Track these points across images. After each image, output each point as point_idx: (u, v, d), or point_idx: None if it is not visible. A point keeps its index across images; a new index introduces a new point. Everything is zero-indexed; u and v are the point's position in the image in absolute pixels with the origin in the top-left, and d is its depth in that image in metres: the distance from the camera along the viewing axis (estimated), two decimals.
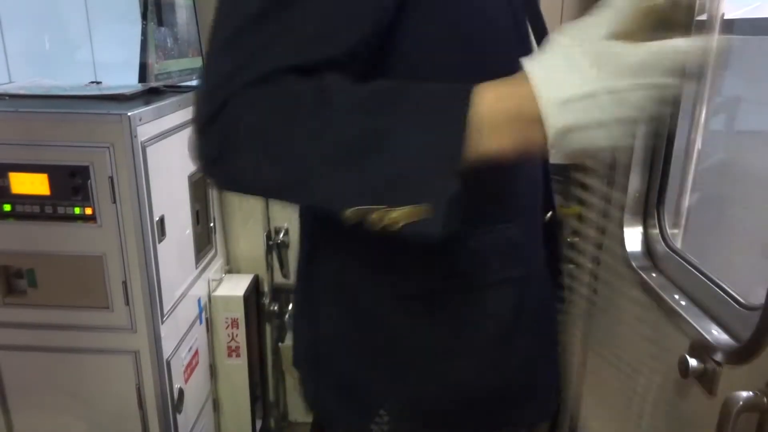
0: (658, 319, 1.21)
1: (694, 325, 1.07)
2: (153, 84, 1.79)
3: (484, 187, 0.74)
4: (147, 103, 1.55)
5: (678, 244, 1.36)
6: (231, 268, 2.24)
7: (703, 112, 1.32)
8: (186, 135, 1.76)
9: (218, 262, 2.12)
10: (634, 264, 1.36)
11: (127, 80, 1.84)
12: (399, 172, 0.61)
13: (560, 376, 1.02)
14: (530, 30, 0.85)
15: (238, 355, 2.10)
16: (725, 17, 1.31)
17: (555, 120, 0.60)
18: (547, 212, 0.98)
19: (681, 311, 1.13)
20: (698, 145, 1.35)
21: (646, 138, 1.37)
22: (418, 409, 0.89)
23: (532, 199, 0.91)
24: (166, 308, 1.65)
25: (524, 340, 0.89)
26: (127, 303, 1.55)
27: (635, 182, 1.40)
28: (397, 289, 0.84)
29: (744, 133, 1.73)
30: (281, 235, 2.24)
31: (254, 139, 0.65)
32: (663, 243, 1.36)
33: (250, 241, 2.23)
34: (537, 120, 0.60)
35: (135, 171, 1.45)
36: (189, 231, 1.84)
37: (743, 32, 1.53)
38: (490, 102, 0.61)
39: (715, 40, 1.29)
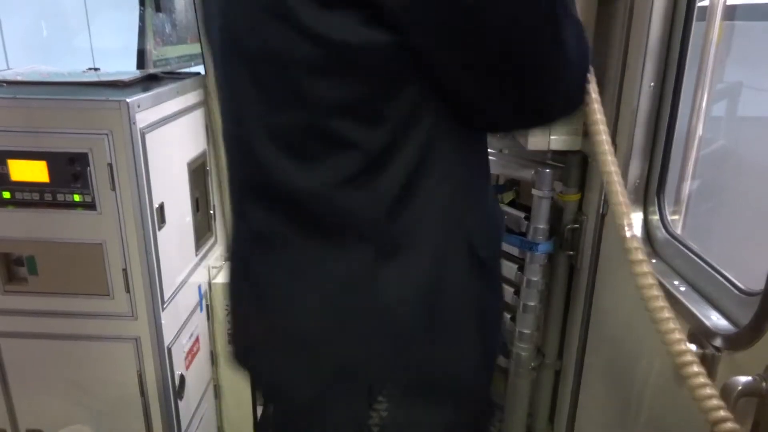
0: None
1: (694, 311, 1.07)
2: (151, 70, 1.78)
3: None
4: (145, 90, 1.54)
5: (678, 231, 1.36)
6: None
7: (705, 97, 1.32)
8: (185, 121, 1.77)
9: (218, 250, 2.13)
10: None
11: (126, 67, 1.83)
12: None
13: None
14: None
15: None
16: (727, 3, 1.30)
17: None
18: None
19: (680, 297, 1.13)
20: (699, 131, 1.34)
21: (646, 124, 1.37)
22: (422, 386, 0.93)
23: None
24: (167, 295, 1.65)
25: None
26: (128, 290, 1.55)
27: (635, 168, 1.39)
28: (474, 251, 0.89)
29: (745, 119, 1.72)
30: None
31: None
32: (663, 229, 1.36)
33: None
34: None
35: (134, 158, 1.44)
36: (189, 218, 1.84)
37: (745, 18, 1.52)
38: None
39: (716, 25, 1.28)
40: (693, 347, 1.01)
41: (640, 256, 0.75)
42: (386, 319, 0.86)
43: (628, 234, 0.76)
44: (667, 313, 0.72)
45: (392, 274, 0.84)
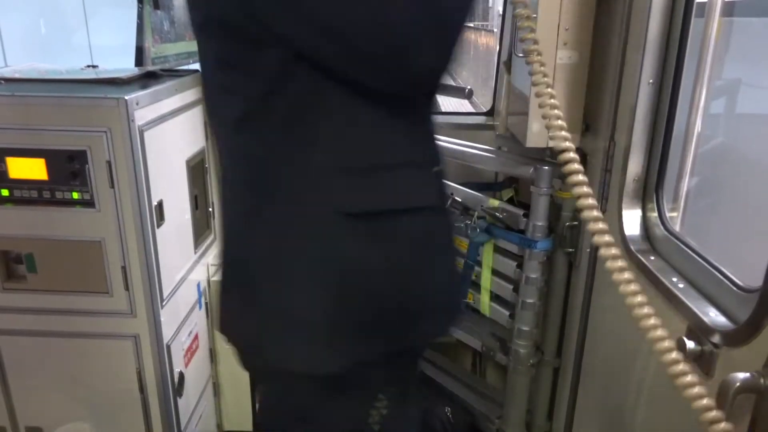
0: (657, 301, 1.21)
1: (692, 307, 1.07)
2: (150, 68, 1.77)
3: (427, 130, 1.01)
4: (144, 87, 1.54)
5: (677, 228, 1.36)
6: None
7: (703, 94, 1.32)
8: (184, 119, 1.77)
9: (217, 247, 2.12)
10: (632, 247, 1.36)
11: (124, 64, 1.82)
12: None
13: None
14: None
15: None
16: None
17: None
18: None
19: (679, 294, 1.13)
20: (698, 128, 1.34)
21: (645, 121, 1.37)
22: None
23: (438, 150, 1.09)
24: (166, 293, 1.65)
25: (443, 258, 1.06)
26: (127, 288, 1.55)
27: (634, 165, 1.39)
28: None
29: (744, 116, 1.72)
30: None
31: None
32: (662, 226, 1.36)
33: None
34: None
35: (133, 155, 1.44)
36: (188, 216, 1.84)
37: (744, 14, 1.52)
38: None
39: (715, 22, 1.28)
40: (691, 344, 1.01)
41: (613, 251, 0.76)
42: (250, 266, 0.99)
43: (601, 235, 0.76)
44: (653, 319, 0.73)
45: (261, 223, 0.96)
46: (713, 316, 1.04)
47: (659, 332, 0.73)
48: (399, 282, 0.99)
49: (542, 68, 0.86)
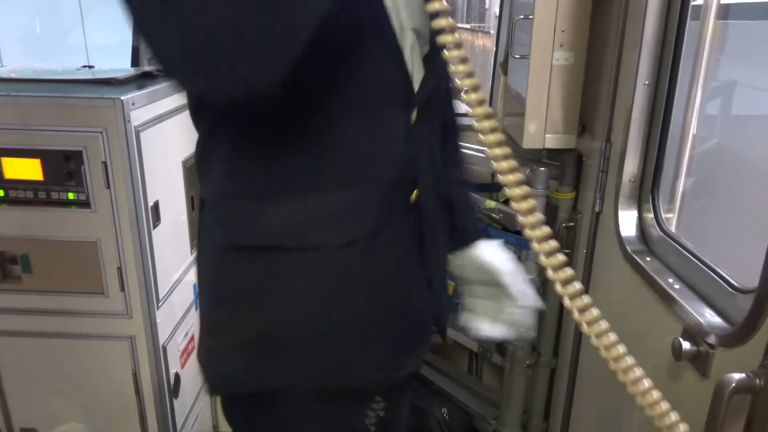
0: (653, 302, 1.21)
1: (688, 308, 1.07)
2: (146, 68, 1.77)
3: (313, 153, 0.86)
4: (140, 88, 1.54)
5: (672, 228, 1.36)
6: None
7: (698, 96, 1.32)
8: (180, 119, 1.76)
9: None
10: (628, 248, 1.36)
11: (120, 64, 1.82)
12: None
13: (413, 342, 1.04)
14: None
15: None
16: (721, 1, 1.30)
17: None
18: (412, 190, 0.94)
19: (675, 295, 1.13)
20: (693, 129, 1.35)
21: (640, 122, 1.37)
22: None
23: (383, 168, 0.91)
24: (162, 294, 1.65)
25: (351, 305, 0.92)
26: (123, 289, 1.55)
27: (630, 166, 1.40)
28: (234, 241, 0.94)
29: (739, 118, 1.73)
30: None
31: None
32: (657, 227, 1.36)
33: None
34: None
35: (129, 156, 1.44)
36: (184, 217, 1.84)
37: (739, 17, 1.52)
38: None
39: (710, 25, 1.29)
40: (687, 345, 1.01)
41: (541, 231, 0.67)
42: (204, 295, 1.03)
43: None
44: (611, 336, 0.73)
45: (200, 241, 1.02)
46: (709, 316, 1.04)
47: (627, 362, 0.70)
48: (287, 317, 0.93)
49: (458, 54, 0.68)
